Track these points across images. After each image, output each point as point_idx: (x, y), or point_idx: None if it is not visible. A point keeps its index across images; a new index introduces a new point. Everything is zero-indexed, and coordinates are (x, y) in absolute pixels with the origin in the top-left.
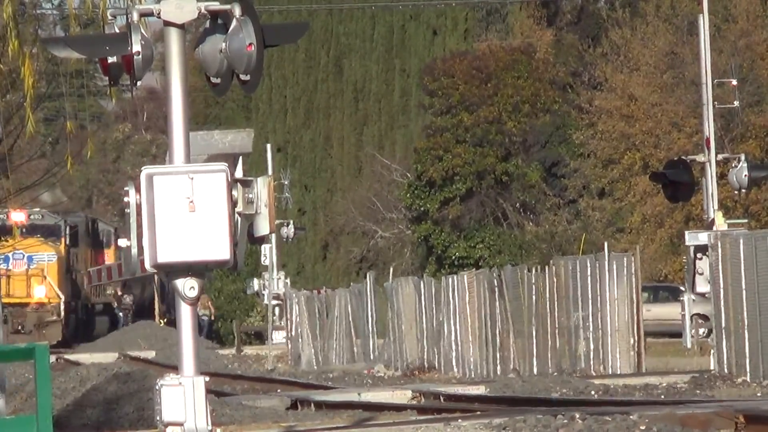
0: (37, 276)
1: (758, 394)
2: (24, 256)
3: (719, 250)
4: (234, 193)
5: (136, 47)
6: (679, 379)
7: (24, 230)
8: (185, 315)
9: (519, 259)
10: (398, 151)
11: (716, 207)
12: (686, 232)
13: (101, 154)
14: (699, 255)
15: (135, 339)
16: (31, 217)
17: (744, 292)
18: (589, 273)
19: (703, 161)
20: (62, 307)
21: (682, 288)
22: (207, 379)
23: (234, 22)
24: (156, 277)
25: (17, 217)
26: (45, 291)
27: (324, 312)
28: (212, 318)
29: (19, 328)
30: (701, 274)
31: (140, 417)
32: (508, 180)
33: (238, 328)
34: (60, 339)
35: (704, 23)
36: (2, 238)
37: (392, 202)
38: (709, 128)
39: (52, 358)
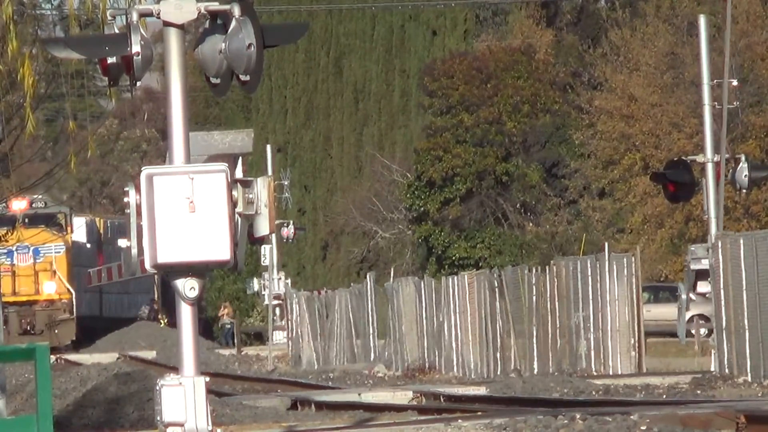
0: (45, 271)
1: (759, 395)
2: (29, 249)
3: (720, 251)
4: (234, 193)
5: (136, 48)
6: (679, 380)
7: (26, 220)
8: (185, 315)
9: (519, 259)
10: (398, 151)
11: (720, 230)
12: (690, 247)
13: (94, 153)
14: (700, 288)
15: (135, 339)
16: (33, 205)
17: (744, 292)
18: (589, 273)
19: (703, 161)
20: (74, 303)
21: (682, 285)
22: (207, 379)
23: (233, 23)
24: (156, 277)
25: (18, 205)
26: (55, 287)
27: (324, 312)
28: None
29: (29, 328)
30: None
31: (141, 417)
32: (508, 180)
33: (238, 329)
34: (74, 338)
35: (703, 26)
36: (6, 233)
37: (392, 202)
38: (722, 148)
39: (53, 359)
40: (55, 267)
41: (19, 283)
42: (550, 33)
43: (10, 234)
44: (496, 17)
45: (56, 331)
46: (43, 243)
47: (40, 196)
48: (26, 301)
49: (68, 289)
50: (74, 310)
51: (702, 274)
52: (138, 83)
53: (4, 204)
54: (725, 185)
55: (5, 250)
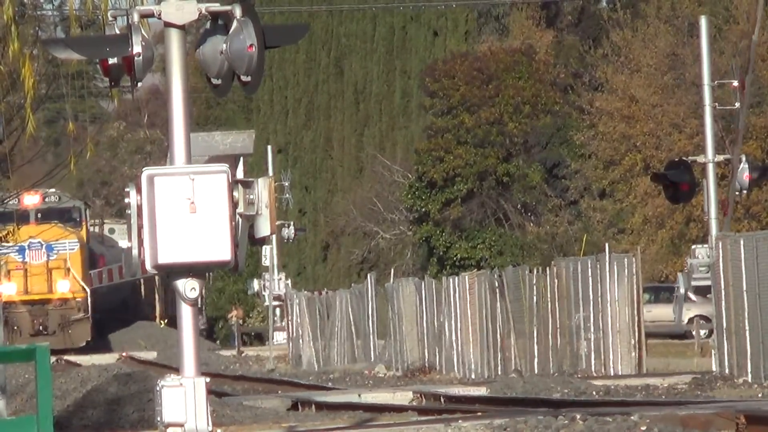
0: (58, 268)
1: (759, 395)
2: (42, 245)
3: (720, 251)
4: (235, 194)
5: (137, 48)
6: (680, 380)
7: (39, 215)
8: (186, 316)
9: (520, 259)
10: (399, 152)
11: (727, 230)
12: (692, 260)
13: (96, 154)
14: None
15: (135, 340)
16: (46, 199)
17: (745, 292)
18: (590, 274)
19: (704, 162)
20: (89, 302)
21: (681, 276)
22: (208, 380)
23: (235, 23)
24: (157, 277)
25: (31, 200)
26: (69, 285)
27: (325, 313)
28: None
29: (41, 328)
30: None
31: (141, 418)
32: (509, 181)
33: (238, 329)
34: (89, 339)
35: (703, 26)
36: (7, 234)
37: (393, 203)
38: (737, 147)
39: (53, 359)
40: (69, 264)
41: (32, 282)
42: (550, 34)
43: (11, 234)
44: (480, 18)
45: (70, 332)
46: (57, 239)
47: (53, 190)
48: (39, 300)
49: (83, 288)
50: (89, 310)
51: (702, 289)
52: (139, 84)
53: (4, 203)
54: (725, 185)
55: (17, 247)
